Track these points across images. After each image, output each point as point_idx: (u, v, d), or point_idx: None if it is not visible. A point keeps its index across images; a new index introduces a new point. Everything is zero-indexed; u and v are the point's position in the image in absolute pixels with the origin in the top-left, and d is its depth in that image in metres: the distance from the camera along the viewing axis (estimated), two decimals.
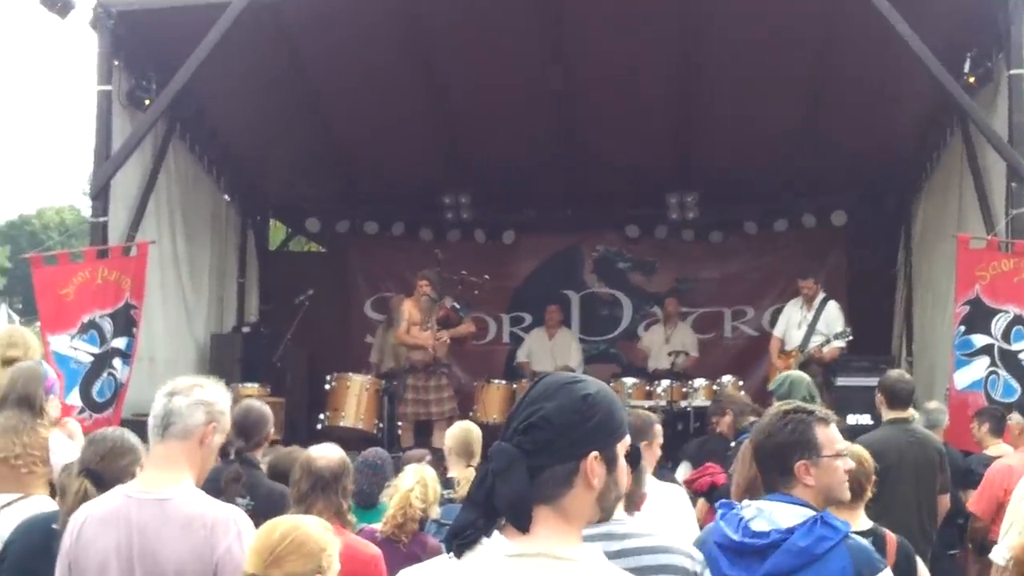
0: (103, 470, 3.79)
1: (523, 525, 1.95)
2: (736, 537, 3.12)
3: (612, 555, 2.55)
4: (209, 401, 3.36)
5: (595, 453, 2.00)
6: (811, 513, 3.14)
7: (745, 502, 3.24)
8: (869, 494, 4.43)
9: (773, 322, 12.04)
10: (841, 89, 10.97)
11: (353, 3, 9.89)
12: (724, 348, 13.83)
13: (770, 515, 3.14)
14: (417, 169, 13.02)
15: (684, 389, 11.53)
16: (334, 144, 12.80)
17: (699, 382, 11.58)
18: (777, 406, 3.41)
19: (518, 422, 2.00)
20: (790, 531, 3.09)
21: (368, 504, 5.45)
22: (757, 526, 3.13)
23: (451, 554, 1.99)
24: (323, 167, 13.20)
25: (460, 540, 1.97)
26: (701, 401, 11.11)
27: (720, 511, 3.25)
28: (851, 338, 11.00)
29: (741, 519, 3.16)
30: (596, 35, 10.46)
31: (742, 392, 10.33)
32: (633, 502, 3.52)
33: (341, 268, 14.56)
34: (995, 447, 7.51)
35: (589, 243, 14.50)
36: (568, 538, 1.99)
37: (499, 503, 1.95)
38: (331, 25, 10.17)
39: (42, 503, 4.81)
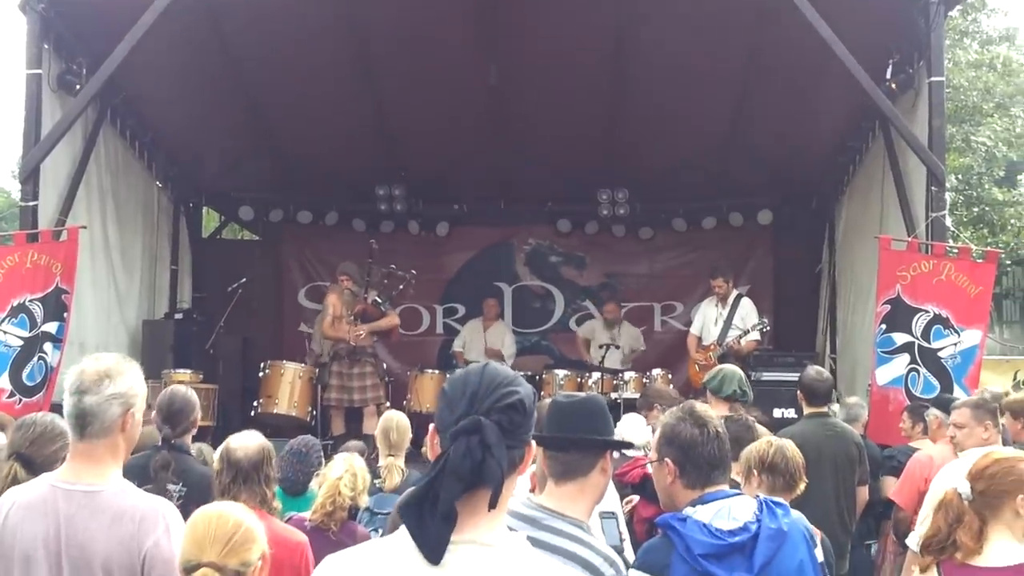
0: (33, 455, 3.79)
1: (496, 503, 1.99)
2: (723, 540, 3.18)
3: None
4: (121, 393, 3.25)
5: (532, 440, 2.12)
6: (752, 500, 3.33)
7: (688, 510, 3.28)
8: (801, 487, 4.61)
9: None
10: (767, 92, 11.14)
11: None
12: (654, 342, 13.94)
13: (729, 511, 3.25)
14: (351, 159, 13.00)
15: (615, 381, 11.67)
16: (267, 133, 12.71)
17: (629, 375, 11.73)
18: (709, 410, 3.48)
19: (492, 401, 2.04)
20: (758, 519, 3.23)
21: (295, 492, 5.48)
22: (724, 524, 3.22)
23: (429, 542, 1.97)
24: (256, 155, 13.11)
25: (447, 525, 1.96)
26: (631, 393, 11.22)
27: (675, 525, 3.24)
28: (768, 328, 11.29)
29: (704, 525, 3.22)
30: (530, 33, 10.51)
31: (671, 386, 10.50)
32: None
33: (275, 256, 14.50)
34: (919, 441, 7.74)
35: (521, 236, 14.60)
36: (496, 523, 2.05)
37: (490, 477, 1.97)
38: (263, 13, 10.12)
39: None
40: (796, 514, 3.40)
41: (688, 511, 3.27)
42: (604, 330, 13.04)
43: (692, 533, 3.19)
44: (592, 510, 3.20)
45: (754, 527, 3.21)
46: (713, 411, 3.54)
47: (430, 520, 1.95)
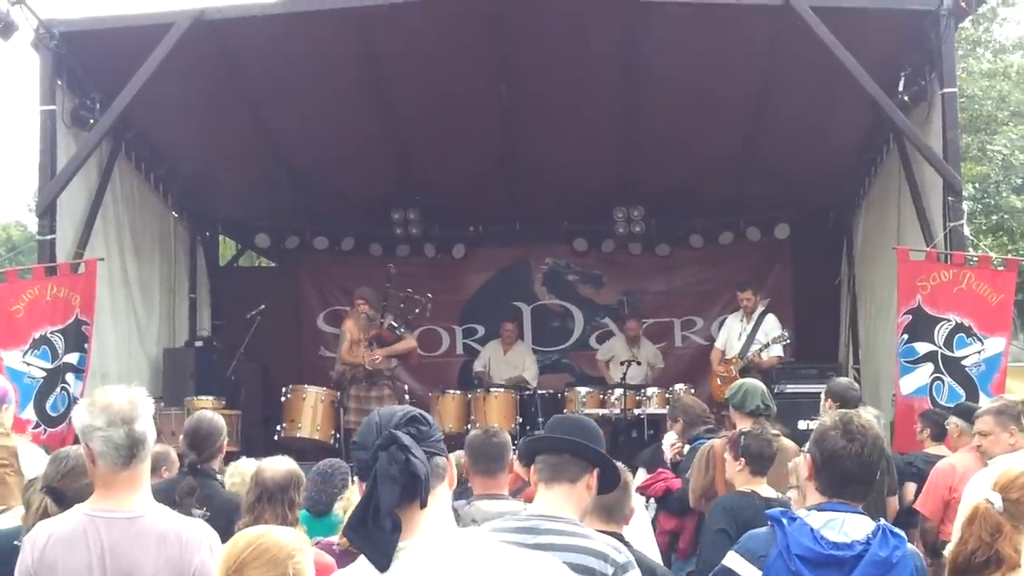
0: (64, 488, 3.80)
1: (426, 500, 2.18)
2: (822, 550, 3.20)
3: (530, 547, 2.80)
4: (152, 417, 3.39)
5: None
6: (872, 523, 3.30)
7: (802, 512, 3.33)
8: None
9: None
10: (781, 107, 11.13)
11: (300, 21, 9.86)
12: (676, 357, 13.94)
13: (841, 525, 3.26)
14: (366, 184, 13.04)
15: (637, 397, 11.62)
16: (281, 160, 12.75)
17: (652, 390, 11.66)
18: (871, 424, 3.47)
19: (395, 422, 2.25)
20: (868, 542, 3.21)
21: (318, 512, 5.47)
22: (832, 536, 3.23)
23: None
24: (271, 183, 13.13)
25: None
26: (655, 409, 11.21)
27: (784, 521, 3.30)
28: (789, 341, 11.25)
29: (812, 529, 3.24)
30: (543, 53, 10.54)
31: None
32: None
33: (292, 282, 14.56)
34: (934, 448, 7.70)
35: (538, 256, 14.60)
36: (440, 525, 2.23)
37: (419, 472, 2.16)
38: (277, 43, 10.15)
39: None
40: (912, 548, 3.37)
41: (802, 513, 3.33)
42: (625, 348, 13.00)
43: (797, 533, 3.23)
44: (583, 518, 3.31)
45: (860, 548, 3.21)
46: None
47: (375, 530, 2.12)
